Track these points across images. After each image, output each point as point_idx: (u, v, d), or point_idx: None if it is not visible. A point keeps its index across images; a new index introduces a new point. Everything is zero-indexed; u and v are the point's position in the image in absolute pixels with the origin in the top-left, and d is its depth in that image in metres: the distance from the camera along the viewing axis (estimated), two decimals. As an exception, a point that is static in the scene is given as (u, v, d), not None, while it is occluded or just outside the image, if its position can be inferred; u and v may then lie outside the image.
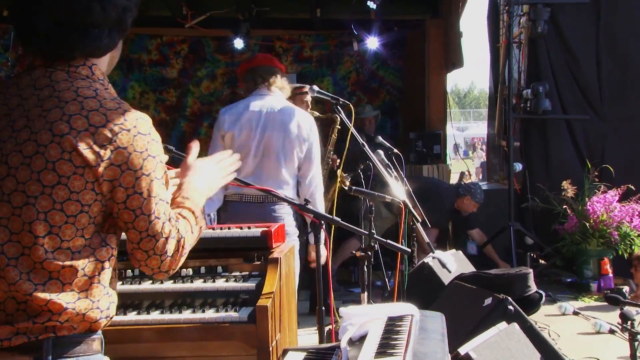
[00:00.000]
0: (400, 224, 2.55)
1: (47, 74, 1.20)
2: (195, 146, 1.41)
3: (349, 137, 2.68)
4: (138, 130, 1.18)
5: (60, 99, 1.17)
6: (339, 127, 4.04)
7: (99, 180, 1.16)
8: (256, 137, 2.74)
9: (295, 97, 4.18)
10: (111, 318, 1.24)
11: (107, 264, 1.21)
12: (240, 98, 2.88)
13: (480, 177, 9.99)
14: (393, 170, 3.09)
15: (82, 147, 1.14)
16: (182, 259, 1.25)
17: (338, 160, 4.21)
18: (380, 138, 3.65)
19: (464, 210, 4.89)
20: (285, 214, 2.78)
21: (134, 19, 1.27)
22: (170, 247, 1.21)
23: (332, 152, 4.15)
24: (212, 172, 1.41)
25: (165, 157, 1.26)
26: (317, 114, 4.06)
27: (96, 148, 1.15)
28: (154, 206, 1.20)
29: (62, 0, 1.17)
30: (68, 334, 1.16)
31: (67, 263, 1.16)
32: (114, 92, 1.27)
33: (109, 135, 1.16)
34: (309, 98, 4.14)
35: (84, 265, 1.17)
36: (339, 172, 3.62)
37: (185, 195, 1.32)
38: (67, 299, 1.16)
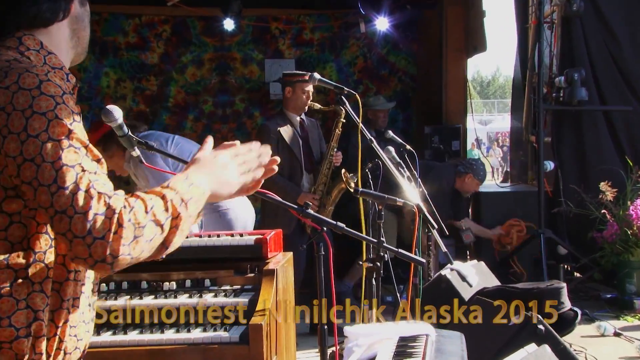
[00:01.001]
0: (413, 231, 2.56)
1: None
2: (209, 141, 1.32)
3: (359, 132, 2.68)
4: (19, 86, 1.12)
5: None
6: (344, 120, 4.05)
7: None
8: None
9: (295, 85, 4.20)
10: (39, 339, 1.15)
11: (24, 273, 1.14)
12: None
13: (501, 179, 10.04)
14: (405, 169, 3.10)
15: None
16: (131, 245, 1.09)
17: (341, 157, 4.21)
18: (390, 133, 3.67)
19: (465, 192, 4.86)
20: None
21: None
22: (95, 225, 1.07)
23: (335, 149, 4.16)
24: (224, 165, 1.28)
25: (77, 119, 1.14)
26: (318, 106, 4.07)
27: None
28: (55, 173, 1.09)
29: None
30: None
31: None
32: (58, 62, 1.24)
33: None
34: (310, 88, 4.16)
35: None
36: (342, 171, 3.64)
37: (166, 185, 1.20)
38: None
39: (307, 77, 4.02)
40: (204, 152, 1.29)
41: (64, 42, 1.27)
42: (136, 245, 1.11)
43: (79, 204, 1.08)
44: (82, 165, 1.12)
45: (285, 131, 4.19)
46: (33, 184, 1.10)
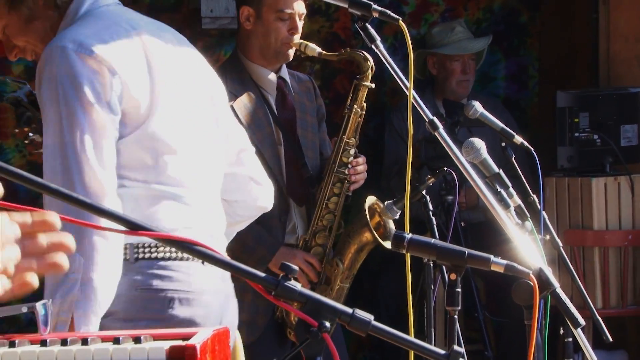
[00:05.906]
0: (532, 327, 2.58)
1: None
2: None
3: (409, 106, 2.73)
4: None
5: None
6: (371, 84, 4.09)
7: None
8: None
9: (261, 3, 4.25)
10: None
11: None
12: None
13: None
14: (512, 190, 3.12)
15: None
16: None
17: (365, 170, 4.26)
18: (479, 108, 3.68)
19: None
20: None
21: None
22: None
23: (354, 149, 4.21)
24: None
25: None
26: (317, 50, 4.09)
27: None
28: None
29: None
30: None
31: None
32: None
33: None
34: (299, 7, 4.22)
35: None
36: (370, 200, 3.66)
37: None
38: None
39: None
40: None
41: None
42: None
43: None
44: None
45: (244, 105, 4.28)
46: None
